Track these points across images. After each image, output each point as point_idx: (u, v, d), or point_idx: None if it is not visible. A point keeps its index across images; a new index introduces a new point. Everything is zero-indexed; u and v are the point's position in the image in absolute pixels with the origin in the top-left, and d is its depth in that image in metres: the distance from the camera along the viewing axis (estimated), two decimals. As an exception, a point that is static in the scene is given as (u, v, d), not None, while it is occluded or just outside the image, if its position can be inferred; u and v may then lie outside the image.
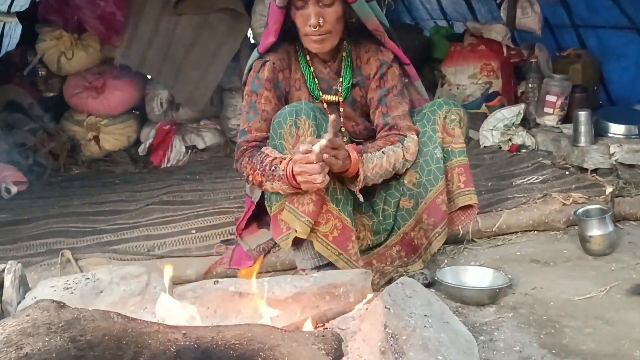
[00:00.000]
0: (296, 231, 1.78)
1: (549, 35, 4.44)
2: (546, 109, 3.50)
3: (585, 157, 2.92)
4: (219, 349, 1.16)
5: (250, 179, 1.85)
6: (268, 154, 1.80)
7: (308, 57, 2.01)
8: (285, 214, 1.81)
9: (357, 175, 1.81)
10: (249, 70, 2.00)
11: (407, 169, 1.98)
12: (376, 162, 1.85)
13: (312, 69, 2.01)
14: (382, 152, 1.88)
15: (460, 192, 2.03)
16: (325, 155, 1.65)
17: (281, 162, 1.74)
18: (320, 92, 2.02)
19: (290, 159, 1.71)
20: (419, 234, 2.02)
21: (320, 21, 1.82)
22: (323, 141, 1.65)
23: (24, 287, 1.64)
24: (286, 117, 1.80)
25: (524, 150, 3.41)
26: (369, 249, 2.04)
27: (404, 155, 1.92)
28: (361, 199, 1.87)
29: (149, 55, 3.79)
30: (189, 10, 3.78)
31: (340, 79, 2.02)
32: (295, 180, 1.69)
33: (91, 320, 1.07)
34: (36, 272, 2.07)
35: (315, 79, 2.02)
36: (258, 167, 1.80)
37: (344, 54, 2.02)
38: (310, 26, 1.82)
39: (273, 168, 1.75)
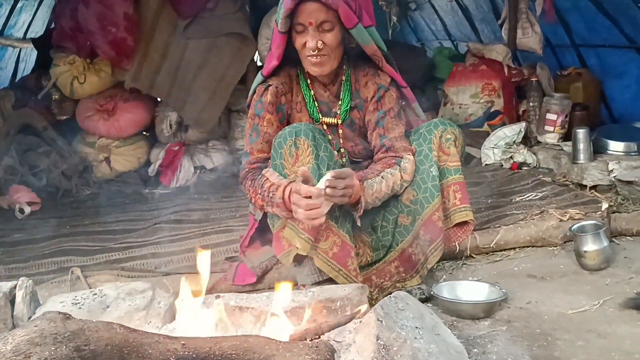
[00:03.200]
0: (297, 248, 1.84)
1: (550, 54, 4.51)
2: (547, 127, 3.56)
3: (585, 174, 2.96)
4: (216, 359, 1.22)
5: (253, 201, 1.94)
6: (268, 178, 1.88)
7: (309, 81, 2.09)
8: (286, 231, 1.87)
9: (357, 201, 1.88)
10: (253, 93, 2.08)
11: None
12: (376, 187, 1.92)
13: (312, 92, 2.09)
14: (382, 177, 1.94)
15: (456, 209, 2.08)
16: (329, 191, 1.72)
17: (277, 189, 1.81)
18: (320, 115, 2.09)
19: (286, 186, 1.79)
20: (416, 250, 2.07)
21: (320, 45, 1.90)
22: (328, 175, 1.72)
23: (34, 302, 1.72)
24: (286, 138, 1.87)
25: (525, 168, 3.46)
26: (368, 265, 2.09)
27: (401, 177, 1.99)
28: (359, 223, 1.94)
29: (159, 79, 3.91)
30: (197, 35, 3.89)
31: (340, 102, 2.10)
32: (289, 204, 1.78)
33: (95, 331, 1.14)
34: (47, 289, 2.14)
35: (316, 102, 2.09)
36: (259, 191, 1.88)
37: (344, 77, 2.10)
38: (309, 49, 1.90)
39: (271, 195, 1.83)
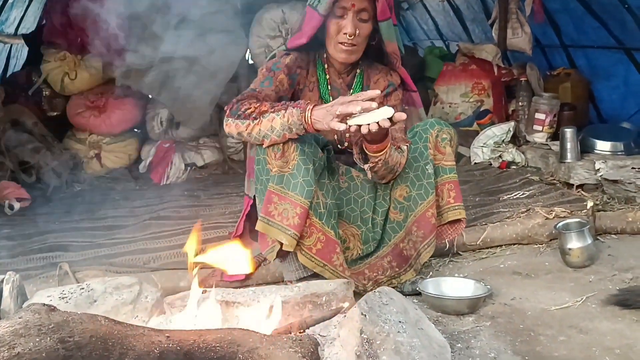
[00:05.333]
0: (281, 244, 1.86)
1: (540, 55, 4.55)
2: (535, 127, 3.59)
3: (572, 173, 2.99)
4: (200, 351, 1.23)
5: (250, 111, 1.84)
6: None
7: (326, 66, 2.15)
8: (270, 229, 1.88)
9: (373, 153, 1.90)
10: (272, 57, 2.14)
11: (397, 184, 2.09)
12: (391, 152, 1.95)
13: (327, 77, 2.15)
14: (394, 148, 1.98)
15: (450, 207, 2.12)
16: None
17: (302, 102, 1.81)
18: (331, 98, 2.13)
19: (314, 104, 1.79)
20: (408, 245, 2.10)
21: (357, 32, 1.97)
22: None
23: (21, 297, 1.72)
24: None
25: (513, 167, 3.49)
26: (360, 258, 2.12)
27: (400, 163, 2.03)
28: (369, 176, 1.97)
29: (150, 76, 3.91)
30: (188, 32, 3.89)
31: (350, 91, 2.16)
32: (309, 119, 1.75)
33: (79, 323, 1.15)
34: (35, 284, 2.14)
35: (329, 86, 2.15)
36: (268, 103, 1.85)
37: (358, 71, 2.17)
38: (346, 34, 1.97)
39: (289, 103, 1.81)
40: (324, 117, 1.73)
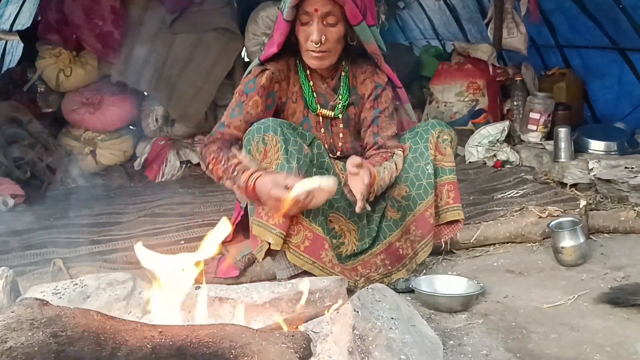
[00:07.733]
0: (269, 243, 1.86)
1: (535, 54, 4.57)
2: (530, 126, 3.61)
3: (565, 172, 3.00)
4: (192, 346, 1.23)
5: (211, 167, 1.90)
6: (236, 156, 1.87)
7: (308, 72, 2.10)
8: (256, 229, 1.88)
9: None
10: (248, 73, 2.07)
11: (396, 183, 2.10)
12: (382, 176, 1.97)
13: (311, 83, 2.10)
14: (384, 167, 2.00)
15: (449, 208, 2.14)
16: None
17: (243, 172, 1.81)
18: (318, 106, 2.11)
19: (253, 174, 1.80)
20: (404, 244, 2.11)
21: (323, 38, 1.92)
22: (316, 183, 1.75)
23: (15, 292, 1.72)
24: (254, 135, 1.89)
25: (507, 166, 3.50)
26: (354, 254, 2.12)
27: (396, 170, 2.04)
28: (369, 207, 1.98)
29: (145, 73, 3.90)
30: (184, 30, 3.89)
31: (338, 96, 2.12)
32: (253, 192, 1.80)
33: (72, 317, 1.15)
34: (28, 280, 2.14)
35: (314, 93, 2.11)
36: (223, 162, 1.86)
37: (343, 72, 2.13)
38: (312, 42, 1.92)
39: (235, 173, 1.82)
40: (267, 184, 1.76)
